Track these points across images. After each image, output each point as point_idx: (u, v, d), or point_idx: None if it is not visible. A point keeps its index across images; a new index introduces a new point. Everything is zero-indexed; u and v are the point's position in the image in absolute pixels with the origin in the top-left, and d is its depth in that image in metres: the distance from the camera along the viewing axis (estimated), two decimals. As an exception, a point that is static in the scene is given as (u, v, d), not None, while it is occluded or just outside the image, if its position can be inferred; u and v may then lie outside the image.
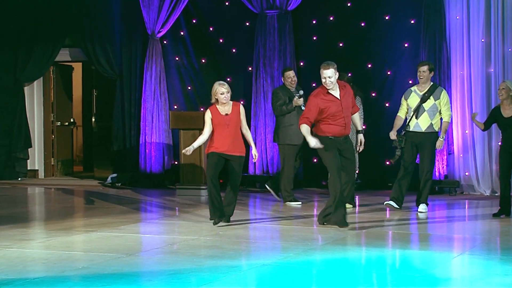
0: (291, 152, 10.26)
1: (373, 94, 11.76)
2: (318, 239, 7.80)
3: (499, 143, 9.27)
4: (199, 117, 11.00)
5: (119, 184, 12.95)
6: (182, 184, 11.57)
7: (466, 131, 11.32)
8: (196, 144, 8.35)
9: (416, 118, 9.32)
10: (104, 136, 14.13)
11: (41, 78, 14.06)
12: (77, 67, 15.03)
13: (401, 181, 9.39)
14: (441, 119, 9.45)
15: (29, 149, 13.95)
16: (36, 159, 14.14)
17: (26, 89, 14.00)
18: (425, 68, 9.37)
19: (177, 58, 12.93)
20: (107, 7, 13.19)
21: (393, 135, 9.41)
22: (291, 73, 10.34)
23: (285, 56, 12.07)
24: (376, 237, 7.80)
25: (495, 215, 9.04)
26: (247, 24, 12.52)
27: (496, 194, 11.01)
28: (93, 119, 14.66)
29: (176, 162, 12.63)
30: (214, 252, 7.01)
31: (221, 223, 8.41)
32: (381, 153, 11.17)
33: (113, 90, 13.33)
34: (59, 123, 14.36)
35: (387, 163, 10.79)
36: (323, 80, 8.01)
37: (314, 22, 12.22)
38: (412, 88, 9.51)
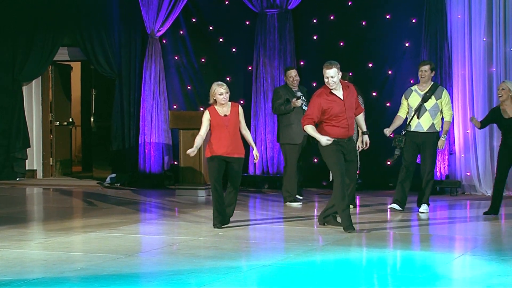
0: (292, 151, 10.21)
1: (374, 94, 11.72)
2: (319, 240, 7.76)
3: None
4: (198, 117, 10.87)
5: (118, 184, 12.91)
6: (182, 184, 11.53)
7: (468, 131, 11.28)
8: (197, 144, 8.24)
9: (418, 118, 9.27)
10: (103, 136, 14.09)
11: (40, 77, 14.03)
12: (76, 67, 14.99)
13: (404, 183, 9.34)
14: (442, 119, 9.41)
15: (27, 149, 13.91)
16: (34, 159, 14.10)
17: (24, 88, 13.96)
18: (426, 67, 9.32)
19: (176, 58, 12.89)
20: (106, 6, 13.15)
21: (387, 132, 9.31)
22: (292, 72, 10.30)
23: (285, 55, 12.03)
24: (377, 238, 7.76)
25: (486, 213, 9.05)
26: (247, 23, 12.49)
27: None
28: (92, 119, 14.62)
29: (175, 162, 12.59)
30: (213, 252, 6.98)
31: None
32: (381, 153, 11.13)
33: (112, 90, 13.29)
34: (57, 123, 14.32)
35: (388, 163, 10.75)
36: (326, 80, 7.92)
37: (314, 21, 12.18)
38: (413, 88, 9.46)
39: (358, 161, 9.51)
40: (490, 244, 7.63)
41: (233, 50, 12.62)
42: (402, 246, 7.47)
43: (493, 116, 9.10)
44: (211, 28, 12.73)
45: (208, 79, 12.02)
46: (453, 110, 10.78)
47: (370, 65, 11.87)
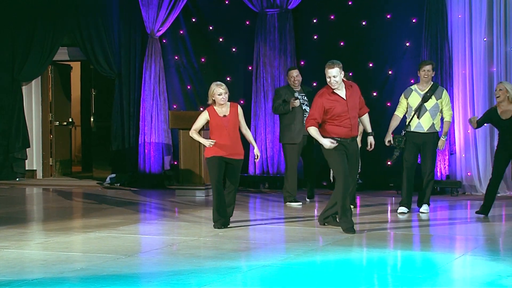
0: (292, 151, 10.22)
1: (374, 94, 11.71)
2: (319, 240, 7.74)
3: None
4: (198, 116, 10.93)
5: (118, 184, 12.90)
6: (182, 184, 11.51)
7: (468, 131, 11.27)
8: (200, 138, 8.24)
9: (418, 118, 9.24)
10: (103, 136, 14.08)
11: (39, 77, 14.02)
12: (76, 67, 14.99)
13: (409, 184, 9.29)
14: (441, 119, 9.38)
15: (27, 149, 13.90)
16: (34, 159, 14.09)
17: (24, 88, 13.95)
18: (430, 67, 9.30)
19: (176, 57, 12.88)
20: (106, 6, 13.14)
21: (387, 139, 9.26)
22: (293, 73, 10.31)
23: (286, 55, 12.02)
24: (378, 238, 7.74)
25: (478, 212, 9.05)
26: (247, 23, 12.47)
27: (499, 195, 10.96)
28: (92, 119, 14.61)
29: (175, 163, 12.58)
30: (213, 253, 6.97)
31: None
32: (382, 153, 11.10)
33: (112, 90, 13.28)
34: (57, 123, 14.30)
35: (389, 163, 10.74)
36: (328, 80, 7.86)
37: (315, 21, 12.17)
38: (413, 87, 9.42)
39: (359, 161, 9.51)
40: (491, 245, 7.62)
41: (233, 50, 12.61)
42: (402, 246, 7.45)
43: (490, 117, 9.06)
44: (211, 28, 12.71)
45: (208, 79, 12.00)
46: (453, 110, 10.79)
47: (371, 65, 11.85)
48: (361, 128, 9.24)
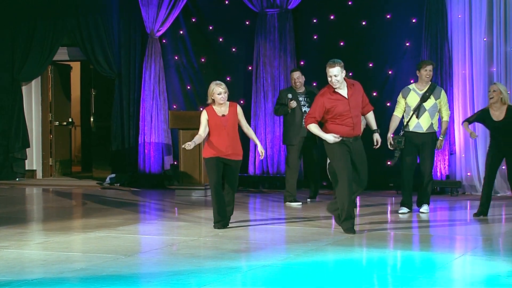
0: (292, 152, 10.31)
1: (374, 94, 11.70)
2: (319, 240, 7.73)
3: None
4: (198, 117, 10.72)
5: (118, 184, 12.90)
6: (182, 184, 11.51)
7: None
8: (196, 140, 8.11)
9: (417, 117, 9.22)
10: (103, 136, 14.07)
11: (39, 77, 14.01)
12: (76, 66, 14.98)
13: (408, 185, 9.28)
14: (439, 119, 9.37)
15: (27, 149, 13.90)
16: (34, 159, 14.08)
17: (24, 88, 13.95)
18: (431, 67, 9.29)
19: (176, 57, 12.87)
20: (105, 5, 13.13)
21: (391, 137, 9.25)
22: (294, 74, 10.36)
23: (286, 55, 12.01)
24: (378, 238, 7.74)
25: (476, 215, 9.04)
26: (247, 23, 12.47)
27: (498, 195, 10.99)
28: (92, 119, 14.60)
29: (175, 163, 12.57)
30: (213, 253, 6.96)
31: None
32: (382, 153, 11.07)
33: (111, 90, 13.28)
34: (57, 123, 14.30)
35: (388, 163, 10.74)
36: (329, 79, 7.81)
37: (314, 21, 12.17)
38: (411, 87, 9.40)
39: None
40: (490, 245, 7.61)
41: (233, 50, 12.61)
42: (402, 247, 7.45)
43: (482, 118, 9.04)
44: (211, 28, 12.71)
45: (208, 79, 11.98)
46: (452, 110, 10.79)
47: (371, 65, 11.85)
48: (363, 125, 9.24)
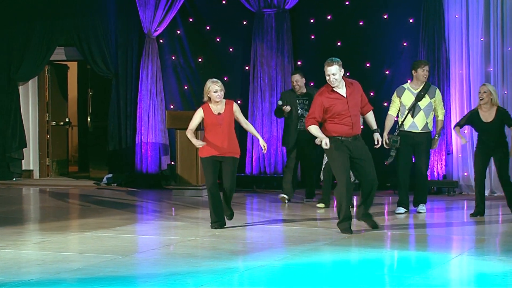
0: (288, 154, 10.55)
1: (371, 94, 11.70)
2: (316, 240, 7.73)
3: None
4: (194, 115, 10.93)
5: (115, 184, 12.88)
6: (179, 184, 11.50)
7: (465, 131, 11.25)
8: (193, 139, 8.09)
9: (412, 117, 9.22)
10: (100, 136, 14.05)
11: (36, 77, 13.99)
12: (73, 66, 14.97)
13: (405, 184, 9.28)
14: (433, 118, 9.38)
15: (23, 149, 13.87)
16: (31, 159, 14.06)
17: (20, 88, 13.92)
18: (428, 67, 9.30)
19: (173, 57, 12.86)
20: (102, 5, 13.12)
21: (386, 137, 9.25)
22: (293, 78, 10.48)
23: (283, 55, 12.02)
24: (375, 238, 7.74)
25: (472, 215, 9.06)
26: (244, 23, 12.46)
27: (495, 195, 11.00)
28: (89, 119, 14.59)
29: (172, 163, 12.56)
30: (211, 253, 6.96)
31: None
32: (378, 153, 11.08)
33: (108, 90, 13.26)
34: (54, 123, 14.28)
35: (385, 163, 10.73)
36: (327, 78, 7.79)
37: (312, 21, 12.16)
38: (405, 86, 9.40)
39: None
40: (487, 245, 7.62)
41: (230, 50, 12.60)
42: (399, 246, 7.45)
43: (471, 119, 9.06)
44: (208, 27, 12.70)
45: (205, 79, 11.79)
46: (450, 110, 10.79)
47: (368, 65, 11.85)
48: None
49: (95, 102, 14.40)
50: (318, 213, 9.57)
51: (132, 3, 12.70)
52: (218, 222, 8.24)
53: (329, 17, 12.10)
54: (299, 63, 12.16)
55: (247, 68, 12.40)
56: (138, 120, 12.70)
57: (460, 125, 9.17)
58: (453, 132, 11.31)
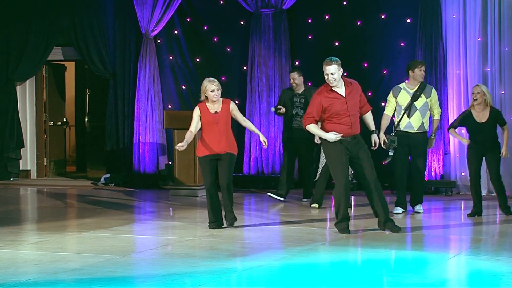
0: (285, 152, 10.64)
1: (369, 94, 11.70)
2: (314, 240, 7.73)
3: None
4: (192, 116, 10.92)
5: (113, 184, 12.88)
6: (176, 184, 11.50)
7: (462, 131, 11.25)
8: (187, 139, 8.04)
9: (408, 117, 9.22)
10: (97, 136, 14.05)
11: (34, 77, 13.98)
12: (70, 66, 14.95)
13: (402, 184, 9.29)
14: (429, 118, 9.38)
15: (21, 149, 13.86)
16: (28, 159, 14.05)
17: (18, 88, 13.91)
18: (424, 67, 9.32)
19: (171, 57, 12.86)
20: (100, 5, 13.11)
21: (383, 137, 9.24)
22: (291, 76, 10.60)
23: (281, 55, 12.02)
24: (373, 238, 7.74)
25: (470, 215, 9.07)
26: (242, 23, 12.46)
27: (492, 195, 10.99)
28: (86, 119, 14.57)
29: (170, 163, 12.56)
30: (208, 253, 6.96)
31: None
32: (376, 153, 11.07)
33: (106, 90, 13.26)
34: (51, 123, 14.27)
35: (383, 163, 10.73)
36: (326, 77, 7.75)
37: (309, 21, 12.17)
38: (401, 86, 9.40)
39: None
40: (485, 244, 7.64)
41: (228, 49, 12.60)
42: (397, 246, 7.45)
43: (465, 120, 9.07)
44: (205, 27, 12.70)
45: (203, 79, 11.85)
46: (447, 110, 10.78)
47: (365, 65, 11.86)
48: None
49: (92, 102, 14.40)
50: (315, 213, 9.57)
51: (129, 3, 12.69)
52: (216, 222, 8.24)
53: (326, 17, 12.10)
54: (297, 63, 12.16)
55: (244, 68, 12.40)
56: (136, 120, 12.70)
57: (454, 126, 9.19)
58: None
